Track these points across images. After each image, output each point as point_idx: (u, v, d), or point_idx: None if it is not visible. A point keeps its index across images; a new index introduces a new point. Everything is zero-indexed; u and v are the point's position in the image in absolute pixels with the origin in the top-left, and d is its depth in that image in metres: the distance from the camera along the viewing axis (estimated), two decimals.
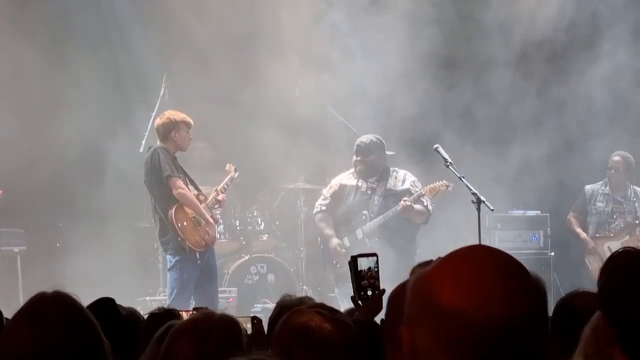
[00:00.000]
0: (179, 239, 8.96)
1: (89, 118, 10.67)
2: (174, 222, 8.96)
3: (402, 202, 9.42)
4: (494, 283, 1.67)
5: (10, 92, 10.37)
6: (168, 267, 9.13)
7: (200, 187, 9.41)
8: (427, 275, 1.73)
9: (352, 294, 3.87)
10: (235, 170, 9.59)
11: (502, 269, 1.69)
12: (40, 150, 10.43)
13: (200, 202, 9.19)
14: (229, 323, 2.92)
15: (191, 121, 9.13)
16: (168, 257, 9.15)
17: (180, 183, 8.96)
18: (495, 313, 1.64)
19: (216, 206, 9.44)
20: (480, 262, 1.70)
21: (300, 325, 2.64)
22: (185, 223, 9.01)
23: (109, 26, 11.17)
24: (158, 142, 9.08)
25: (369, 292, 3.80)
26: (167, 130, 9.02)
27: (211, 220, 9.15)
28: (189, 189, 9.15)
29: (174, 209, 9.00)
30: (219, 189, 9.45)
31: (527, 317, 1.66)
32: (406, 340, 1.73)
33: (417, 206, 9.47)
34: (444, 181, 9.43)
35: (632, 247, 2.26)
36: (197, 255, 9.02)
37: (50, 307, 2.48)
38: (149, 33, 11.13)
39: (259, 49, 10.77)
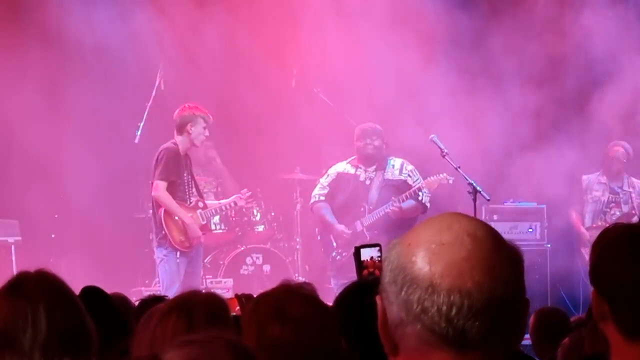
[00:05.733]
0: (163, 232, 8.99)
1: (83, 109, 10.65)
2: (162, 217, 8.99)
3: (391, 208, 9.43)
4: (463, 252, 1.64)
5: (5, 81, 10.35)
6: (158, 261, 9.15)
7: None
8: (398, 244, 1.71)
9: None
10: (248, 198, 9.78)
11: (474, 238, 1.66)
12: (35, 140, 10.41)
13: (198, 209, 9.22)
14: (216, 300, 2.93)
15: (210, 117, 9.12)
16: (160, 249, 9.15)
17: (161, 186, 8.92)
18: (462, 283, 1.61)
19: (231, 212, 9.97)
20: (452, 231, 1.66)
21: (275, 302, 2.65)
22: (174, 219, 9.02)
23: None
24: (175, 135, 9.08)
25: None
26: (184, 123, 9.02)
27: (189, 221, 9.08)
28: (191, 192, 9.14)
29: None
30: (225, 203, 9.68)
31: (496, 288, 1.62)
32: (380, 311, 1.71)
33: (407, 204, 9.48)
34: (445, 174, 9.43)
35: (623, 222, 2.25)
36: (177, 254, 9.03)
37: (32, 283, 2.50)
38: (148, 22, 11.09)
39: (254, 41, 10.75)
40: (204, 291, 3.02)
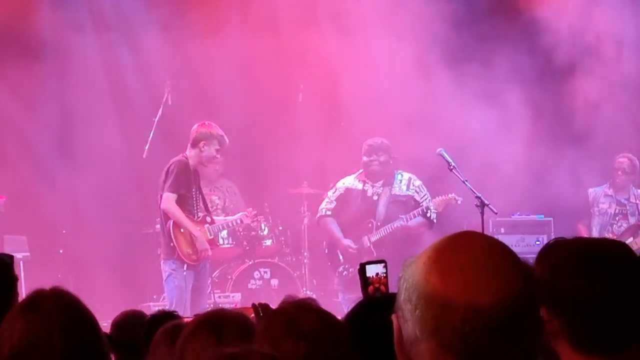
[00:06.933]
0: (172, 245, 9.01)
1: (92, 123, 10.69)
2: (171, 230, 9.01)
3: (398, 225, 9.46)
4: (478, 270, 1.65)
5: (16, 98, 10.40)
6: (165, 276, 9.15)
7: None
8: (413, 263, 1.73)
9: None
10: (254, 217, 9.76)
11: (489, 256, 1.67)
12: (43, 155, 10.44)
13: (205, 223, 9.24)
14: (244, 319, 2.95)
15: (227, 140, 9.17)
16: (167, 263, 9.16)
17: (170, 198, 8.97)
18: (477, 300, 1.63)
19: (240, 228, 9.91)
20: (466, 249, 1.68)
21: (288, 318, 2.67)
22: (183, 232, 9.04)
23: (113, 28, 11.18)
24: (188, 148, 9.15)
25: None
26: (199, 139, 9.09)
27: (197, 234, 9.11)
28: (198, 206, 9.17)
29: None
30: (230, 220, 9.68)
31: (511, 305, 1.64)
32: (396, 329, 1.72)
33: (416, 221, 9.54)
34: (453, 195, 9.47)
35: (563, 238, 2.29)
36: (185, 267, 9.06)
37: (48, 300, 2.51)
38: (154, 37, 11.13)
39: (260, 56, 10.78)
40: (231, 310, 3.04)
